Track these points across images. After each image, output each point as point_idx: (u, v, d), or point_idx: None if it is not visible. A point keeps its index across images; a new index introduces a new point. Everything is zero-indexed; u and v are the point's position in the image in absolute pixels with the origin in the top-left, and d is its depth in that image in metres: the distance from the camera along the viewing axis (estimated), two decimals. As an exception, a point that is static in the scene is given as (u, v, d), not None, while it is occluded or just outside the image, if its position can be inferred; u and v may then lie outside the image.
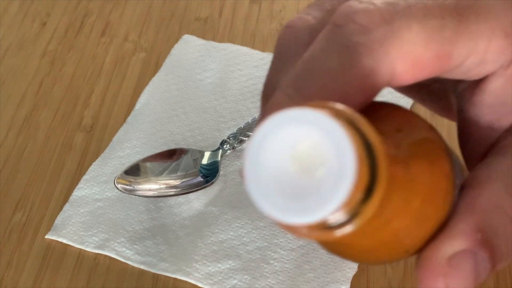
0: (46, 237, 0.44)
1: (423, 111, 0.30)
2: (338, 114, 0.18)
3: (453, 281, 0.22)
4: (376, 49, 0.21)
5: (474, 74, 0.24)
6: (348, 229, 0.18)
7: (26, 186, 0.47)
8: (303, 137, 0.17)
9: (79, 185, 0.46)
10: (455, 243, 0.22)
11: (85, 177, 0.47)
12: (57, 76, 0.54)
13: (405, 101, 0.41)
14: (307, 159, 0.17)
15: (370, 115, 0.20)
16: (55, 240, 0.44)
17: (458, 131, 0.27)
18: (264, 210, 0.17)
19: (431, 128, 0.23)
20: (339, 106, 0.18)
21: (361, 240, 0.21)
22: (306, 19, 0.24)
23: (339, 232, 0.18)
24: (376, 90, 0.22)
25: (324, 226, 0.18)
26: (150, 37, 0.57)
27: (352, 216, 0.18)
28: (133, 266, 0.43)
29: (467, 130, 0.26)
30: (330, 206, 0.17)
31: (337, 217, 0.17)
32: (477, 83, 0.25)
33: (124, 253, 0.43)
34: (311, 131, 0.17)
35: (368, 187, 0.17)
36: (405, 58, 0.22)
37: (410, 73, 0.22)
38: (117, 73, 0.54)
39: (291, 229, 0.18)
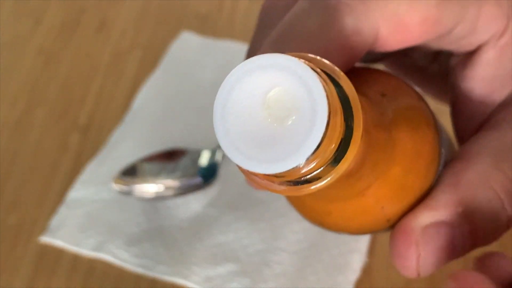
0: (41, 239, 0.43)
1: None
2: (313, 63, 0.17)
3: (426, 250, 0.21)
4: (359, 8, 0.21)
5: (465, 44, 0.23)
6: (322, 183, 0.17)
7: (20, 187, 0.46)
8: (274, 83, 0.16)
9: (75, 186, 0.46)
10: (433, 214, 0.21)
11: (81, 178, 0.46)
12: (52, 74, 0.54)
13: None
14: (278, 106, 0.16)
15: (355, 77, 0.19)
16: (49, 242, 0.43)
17: (451, 107, 0.26)
18: (233, 160, 0.17)
19: (418, 97, 0.23)
20: (316, 56, 0.18)
21: (343, 205, 0.21)
22: None
23: (313, 187, 0.17)
24: (359, 51, 0.21)
25: (299, 181, 0.17)
26: (148, 34, 0.56)
27: (327, 170, 0.17)
28: (130, 269, 0.42)
29: (459, 106, 0.25)
30: (301, 155, 0.16)
31: (311, 169, 0.17)
32: (469, 56, 0.24)
33: (121, 255, 0.42)
34: (283, 77, 0.16)
35: (343, 141, 0.17)
36: (389, 19, 0.21)
37: (395, 37, 0.22)
38: (113, 71, 0.54)
39: (264, 184, 0.18)
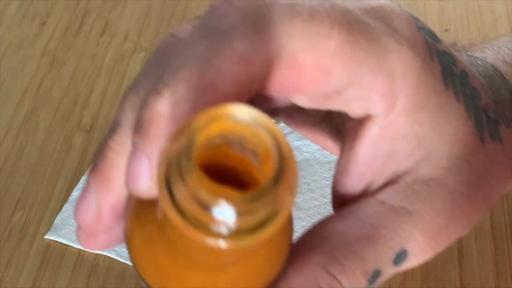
0: (45, 237, 0.44)
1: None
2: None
3: None
4: (251, 34, 0.19)
5: (355, 108, 0.21)
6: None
7: (25, 186, 0.47)
8: None
9: (79, 185, 0.46)
10: None
11: (84, 177, 0.47)
12: (56, 76, 0.54)
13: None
14: None
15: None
16: (54, 240, 0.44)
17: (336, 168, 0.23)
18: None
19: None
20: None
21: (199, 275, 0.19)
22: (187, 28, 0.21)
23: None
24: (252, 82, 0.19)
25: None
26: (150, 36, 0.57)
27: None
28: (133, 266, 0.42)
29: (339, 173, 0.23)
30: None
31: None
32: (359, 125, 0.22)
33: (123, 253, 0.43)
34: None
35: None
36: (283, 54, 0.19)
37: (287, 76, 0.20)
38: (116, 73, 0.54)
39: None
